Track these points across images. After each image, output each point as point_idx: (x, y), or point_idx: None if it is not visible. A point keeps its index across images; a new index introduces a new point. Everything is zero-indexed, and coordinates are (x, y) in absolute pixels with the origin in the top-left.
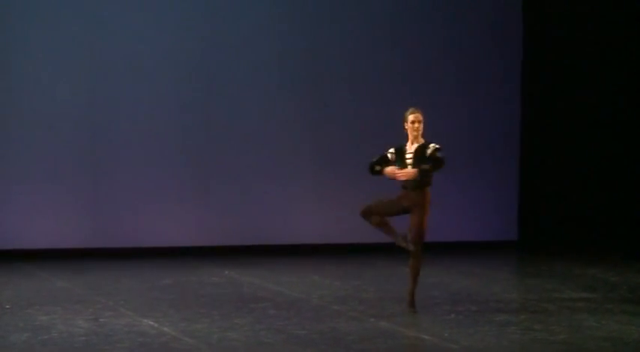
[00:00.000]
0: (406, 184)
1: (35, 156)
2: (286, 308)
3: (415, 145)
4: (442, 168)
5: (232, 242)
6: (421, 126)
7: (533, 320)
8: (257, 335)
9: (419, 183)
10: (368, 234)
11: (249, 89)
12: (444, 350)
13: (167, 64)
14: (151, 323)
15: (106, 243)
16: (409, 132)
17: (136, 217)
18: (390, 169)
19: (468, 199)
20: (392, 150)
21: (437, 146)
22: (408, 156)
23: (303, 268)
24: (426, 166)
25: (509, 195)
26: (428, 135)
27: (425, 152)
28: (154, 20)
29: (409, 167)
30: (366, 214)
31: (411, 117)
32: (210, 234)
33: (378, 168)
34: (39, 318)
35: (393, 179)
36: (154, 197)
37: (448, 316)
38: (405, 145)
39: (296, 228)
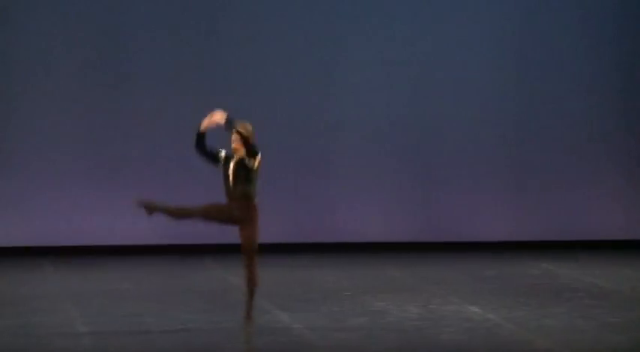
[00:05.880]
0: (232, 195)
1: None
2: (600, 298)
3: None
4: (251, 146)
5: (549, 237)
6: (238, 144)
7: None
8: (572, 322)
9: (243, 195)
10: None
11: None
12: None
13: None
14: (476, 310)
15: (436, 238)
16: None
17: (469, 212)
18: (205, 122)
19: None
20: (224, 153)
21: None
22: (231, 165)
23: (609, 261)
24: (232, 120)
25: None
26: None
27: (244, 162)
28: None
29: (230, 175)
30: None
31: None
32: (529, 229)
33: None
34: (375, 304)
35: (209, 126)
36: (479, 191)
37: None
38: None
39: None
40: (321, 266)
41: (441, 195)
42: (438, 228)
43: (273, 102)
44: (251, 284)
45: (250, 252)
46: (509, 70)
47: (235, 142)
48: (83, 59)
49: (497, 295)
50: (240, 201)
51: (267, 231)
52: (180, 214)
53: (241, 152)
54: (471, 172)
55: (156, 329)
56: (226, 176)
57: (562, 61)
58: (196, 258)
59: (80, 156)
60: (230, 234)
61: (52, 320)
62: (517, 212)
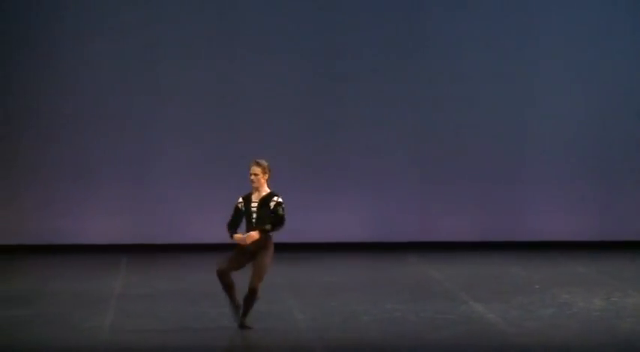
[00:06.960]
0: (253, 230)
1: None
2: None
3: (262, 194)
4: (282, 227)
5: None
6: (257, 178)
7: None
8: None
9: (262, 230)
10: None
11: None
12: None
13: None
14: None
15: (617, 237)
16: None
17: None
18: (238, 237)
19: None
20: (240, 199)
21: (279, 200)
22: (253, 205)
23: None
24: (267, 227)
25: None
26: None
27: (268, 203)
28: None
29: (254, 215)
30: (220, 274)
31: (250, 171)
32: None
33: (230, 232)
34: (562, 296)
35: (244, 244)
36: None
37: None
38: (252, 194)
39: None
40: (513, 262)
41: (621, 198)
42: (619, 228)
43: (468, 115)
44: (248, 304)
45: (258, 276)
46: None
47: (255, 178)
48: None
49: None
50: (259, 235)
51: (464, 230)
52: (224, 283)
53: (263, 187)
54: None
55: (365, 317)
56: (249, 214)
57: None
58: (400, 254)
59: (296, 160)
60: (430, 232)
61: (273, 308)
62: None
